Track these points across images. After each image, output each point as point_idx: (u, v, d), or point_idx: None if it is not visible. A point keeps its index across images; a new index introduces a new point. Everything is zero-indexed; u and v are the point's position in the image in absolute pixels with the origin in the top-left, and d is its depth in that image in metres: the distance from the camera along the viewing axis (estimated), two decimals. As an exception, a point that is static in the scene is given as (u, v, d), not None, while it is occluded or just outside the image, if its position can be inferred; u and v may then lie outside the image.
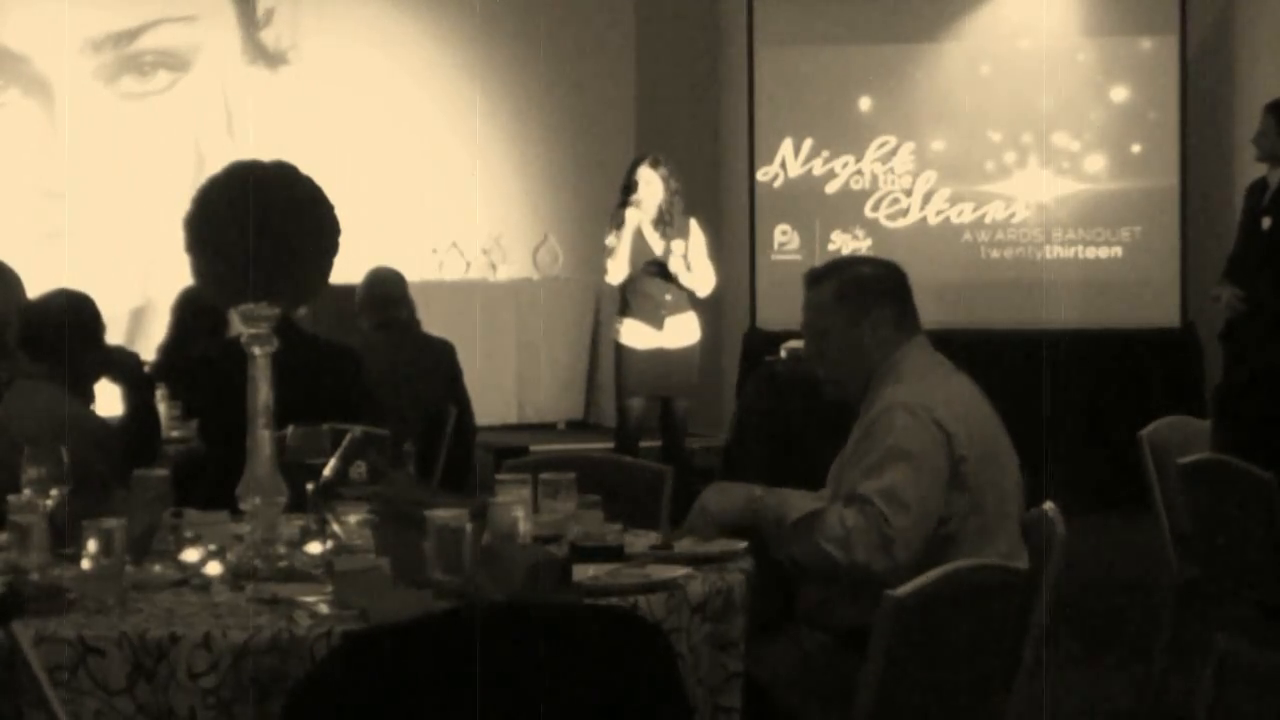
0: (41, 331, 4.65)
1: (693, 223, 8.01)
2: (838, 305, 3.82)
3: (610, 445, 8.25)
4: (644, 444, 8.11)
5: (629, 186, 7.98)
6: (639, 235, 7.92)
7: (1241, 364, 7.52)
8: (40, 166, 10.14)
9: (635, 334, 7.98)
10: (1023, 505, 3.71)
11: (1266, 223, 7.69)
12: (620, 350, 8.05)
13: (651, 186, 7.93)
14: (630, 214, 7.89)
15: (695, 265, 7.95)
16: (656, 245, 7.93)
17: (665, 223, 7.92)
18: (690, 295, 8.01)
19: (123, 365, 5.82)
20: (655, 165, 8.01)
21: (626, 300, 8.05)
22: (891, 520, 3.48)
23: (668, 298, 7.92)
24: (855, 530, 3.49)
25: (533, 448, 8.34)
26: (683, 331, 7.99)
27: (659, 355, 7.95)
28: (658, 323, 7.94)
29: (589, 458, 5.11)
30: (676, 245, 7.91)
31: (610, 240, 7.97)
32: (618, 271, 7.96)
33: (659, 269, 7.91)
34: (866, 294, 3.80)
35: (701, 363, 8.33)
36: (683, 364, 8.02)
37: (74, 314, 4.69)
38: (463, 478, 6.63)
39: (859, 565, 3.49)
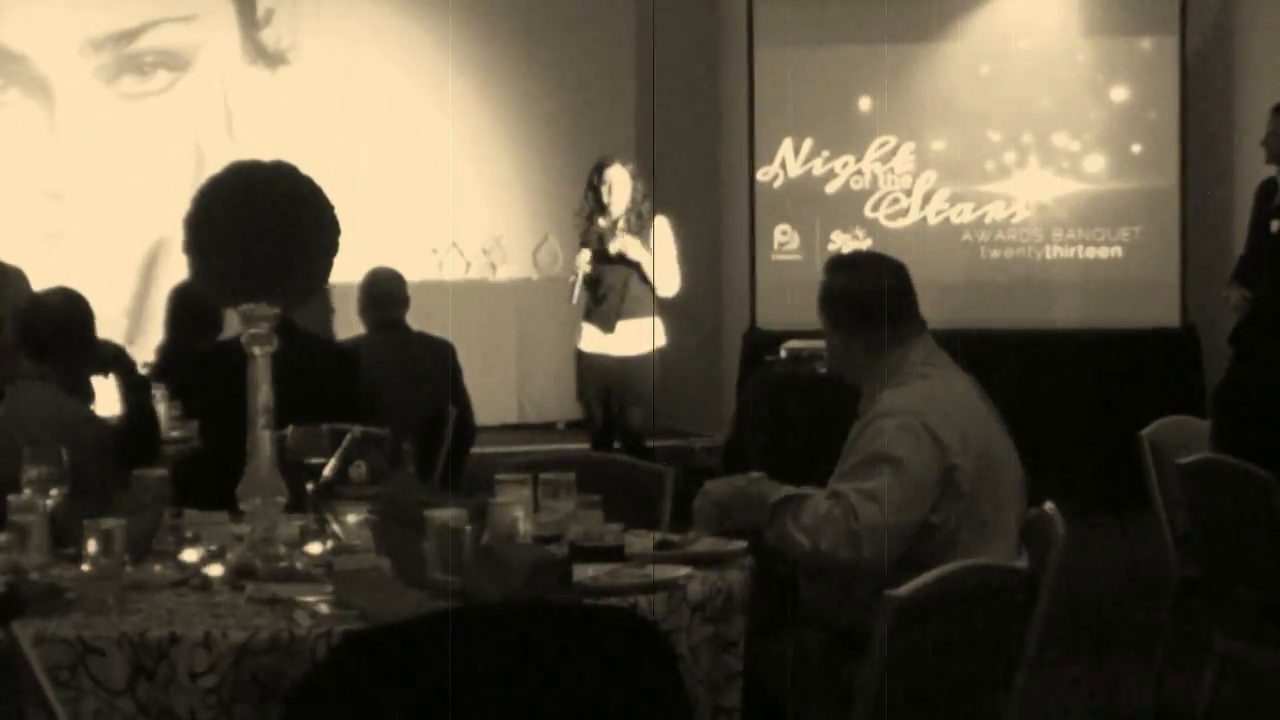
0: (37, 330, 4.65)
1: (661, 221, 7.81)
2: (834, 307, 3.86)
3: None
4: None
5: (595, 190, 7.79)
6: (599, 241, 7.76)
7: (1243, 364, 7.51)
8: (40, 166, 10.15)
9: (589, 337, 7.85)
10: (1024, 505, 3.72)
11: (1276, 226, 7.67)
12: (577, 353, 7.95)
13: (622, 190, 7.75)
14: (583, 256, 7.74)
15: (661, 266, 7.75)
16: (614, 246, 7.75)
17: (629, 223, 7.73)
18: (655, 301, 7.81)
19: (118, 361, 5.81)
20: (624, 165, 7.83)
21: (588, 304, 7.89)
22: (861, 516, 3.52)
23: (620, 303, 7.73)
24: (826, 520, 3.55)
25: (533, 448, 8.34)
26: (634, 338, 7.78)
27: (605, 361, 7.78)
28: (609, 326, 7.77)
29: (589, 458, 5.12)
30: (630, 242, 7.70)
31: (581, 259, 7.79)
32: (578, 295, 7.81)
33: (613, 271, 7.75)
34: (861, 303, 3.82)
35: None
36: (631, 371, 7.78)
37: (68, 312, 4.69)
38: (461, 478, 6.63)
39: (823, 554, 3.55)
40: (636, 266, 7.73)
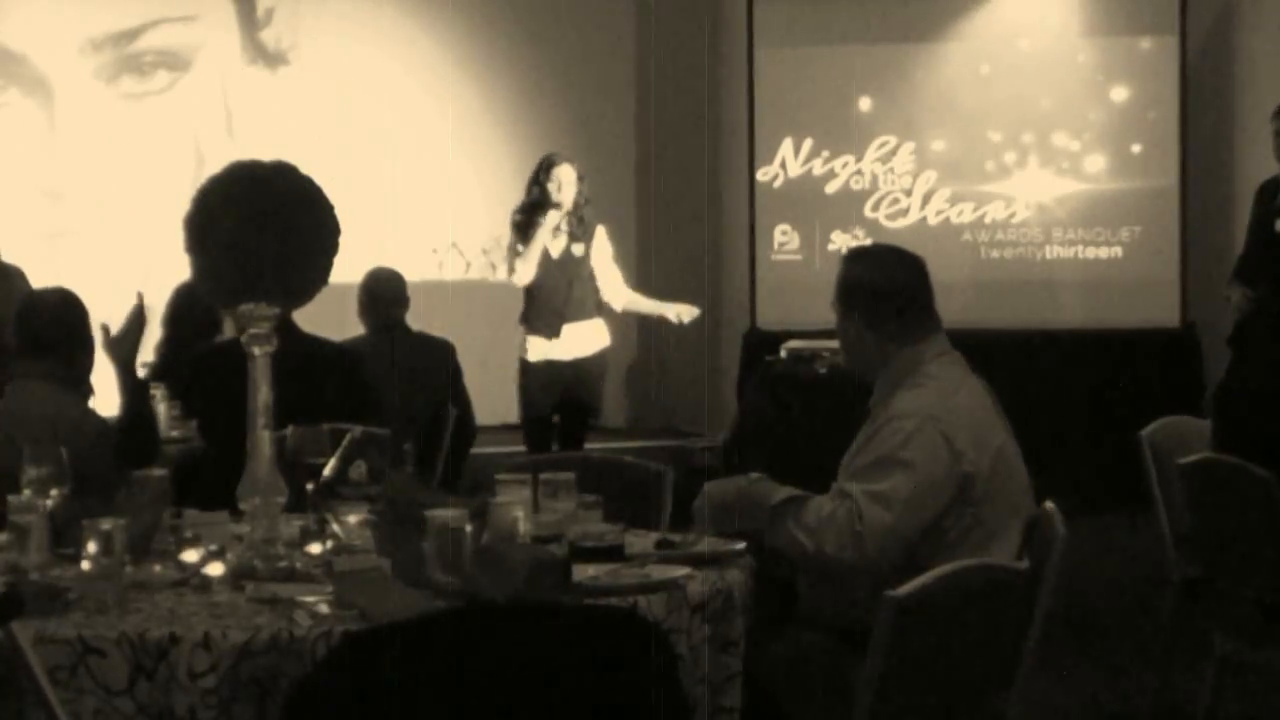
0: (34, 328, 4.65)
1: (601, 229, 7.71)
2: (855, 296, 3.84)
3: (612, 445, 8.22)
4: (642, 444, 8.07)
5: (542, 185, 7.62)
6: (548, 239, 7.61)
7: (1244, 364, 7.51)
8: (40, 166, 10.15)
9: (533, 345, 7.67)
10: (1031, 508, 3.72)
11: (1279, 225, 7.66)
12: (520, 364, 7.72)
13: (570, 188, 7.61)
14: (553, 215, 7.54)
15: (602, 274, 7.68)
16: (556, 247, 7.61)
17: (574, 224, 7.61)
18: (596, 302, 7.68)
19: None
20: (573, 165, 7.68)
21: (526, 308, 7.72)
22: (866, 517, 3.52)
23: (564, 306, 7.58)
24: (829, 521, 3.54)
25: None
26: (582, 340, 7.66)
27: (556, 366, 7.62)
28: (554, 331, 7.61)
29: (589, 458, 5.12)
30: (577, 248, 7.62)
31: (513, 241, 7.64)
32: (527, 273, 7.59)
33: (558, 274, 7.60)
34: (863, 300, 3.81)
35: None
36: (582, 375, 7.67)
37: (64, 310, 4.69)
38: (462, 478, 6.63)
39: (826, 556, 3.55)
40: (578, 269, 7.61)
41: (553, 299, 7.60)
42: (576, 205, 7.61)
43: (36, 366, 4.59)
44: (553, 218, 7.56)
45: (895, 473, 3.58)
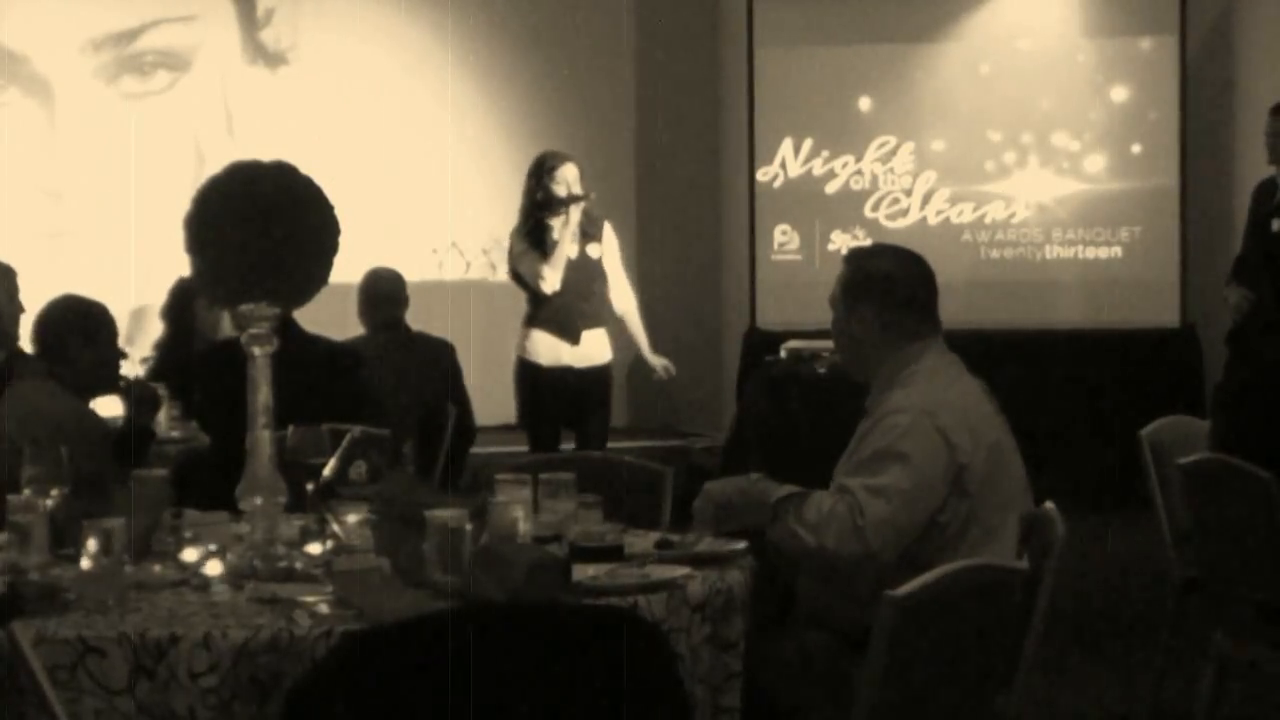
0: (40, 332, 4.66)
1: (608, 227, 7.36)
2: (845, 295, 3.85)
3: (612, 445, 8.20)
4: (642, 444, 8.06)
5: (546, 188, 7.20)
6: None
7: (1243, 364, 7.51)
8: (40, 166, 10.15)
9: (545, 348, 7.24)
10: (1029, 507, 3.72)
11: (1277, 225, 7.67)
12: (525, 366, 7.28)
13: (577, 186, 7.21)
14: (574, 211, 7.13)
15: (613, 275, 7.34)
16: (574, 250, 7.21)
17: (587, 223, 7.23)
18: (607, 309, 7.33)
19: (142, 398, 5.74)
20: (574, 162, 7.30)
21: (536, 309, 7.27)
22: (866, 511, 3.52)
23: (586, 307, 7.22)
24: (830, 516, 3.55)
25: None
26: (597, 347, 7.31)
27: (569, 374, 7.23)
28: (574, 337, 7.22)
29: (589, 458, 5.12)
30: (593, 249, 7.26)
31: (519, 245, 7.23)
32: (555, 278, 7.15)
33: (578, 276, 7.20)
34: (872, 293, 3.82)
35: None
36: (597, 383, 7.31)
37: (70, 316, 4.70)
38: (461, 478, 6.62)
39: (828, 550, 3.55)
40: (596, 272, 7.28)
41: (575, 303, 7.22)
42: (589, 203, 7.25)
43: (39, 367, 4.60)
44: (574, 214, 7.15)
45: (893, 466, 3.58)
